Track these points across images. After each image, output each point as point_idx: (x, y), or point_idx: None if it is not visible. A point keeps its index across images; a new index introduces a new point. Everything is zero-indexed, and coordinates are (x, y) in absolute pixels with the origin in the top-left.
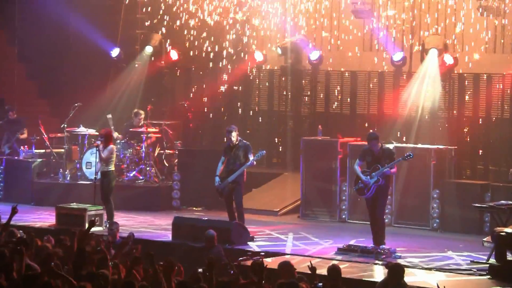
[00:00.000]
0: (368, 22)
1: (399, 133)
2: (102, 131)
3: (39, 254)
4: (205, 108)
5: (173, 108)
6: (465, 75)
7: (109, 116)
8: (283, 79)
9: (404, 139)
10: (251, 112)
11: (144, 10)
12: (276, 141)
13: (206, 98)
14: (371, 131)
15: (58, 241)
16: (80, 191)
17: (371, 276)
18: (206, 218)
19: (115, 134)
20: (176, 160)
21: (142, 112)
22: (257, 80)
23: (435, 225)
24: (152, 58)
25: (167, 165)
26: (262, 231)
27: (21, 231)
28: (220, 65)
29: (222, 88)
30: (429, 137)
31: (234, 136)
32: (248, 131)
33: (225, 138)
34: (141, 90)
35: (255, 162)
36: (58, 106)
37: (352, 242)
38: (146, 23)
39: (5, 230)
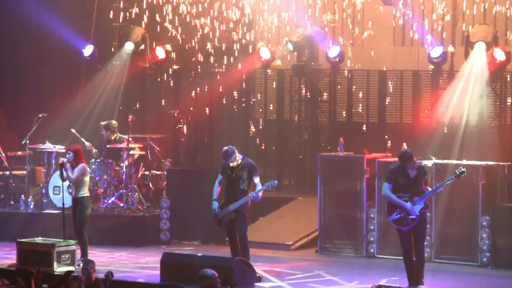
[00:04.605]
0: (400, 10)
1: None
2: (70, 146)
3: None
4: (200, 118)
5: (160, 119)
6: None
7: (73, 130)
8: (296, 80)
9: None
10: (257, 122)
11: None
12: (288, 158)
13: (200, 106)
14: (405, 147)
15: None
16: (47, 222)
17: None
18: (202, 254)
19: (88, 145)
20: (165, 183)
21: (114, 123)
22: (264, 83)
23: (485, 260)
24: (135, 57)
25: (153, 189)
26: (271, 270)
27: None
28: (218, 65)
29: (220, 93)
30: (477, 151)
31: (236, 158)
32: (252, 146)
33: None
34: (120, 97)
35: (261, 194)
36: (17, 118)
37: (382, 282)
38: (126, 14)
39: None
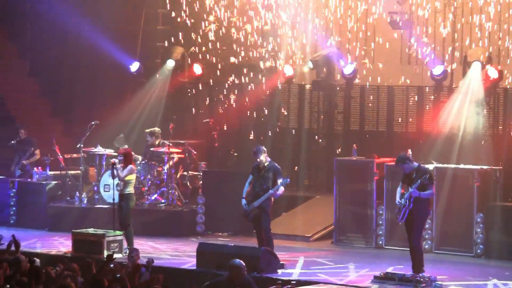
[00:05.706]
0: (406, 33)
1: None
2: (121, 150)
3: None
4: (231, 126)
5: (196, 126)
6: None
7: (121, 135)
8: (315, 94)
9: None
10: (280, 130)
11: (165, 21)
12: (307, 162)
13: (232, 116)
14: (409, 153)
15: (68, 270)
16: (98, 216)
17: None
18: (232, 244)
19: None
20: (201, 182)
21: (157, 130)
22: (287, 96)
23: (479, 251)
24: (175, 73)
25: (190, 187)
26: (293, 258)
27: (36, 259)
28: (247, 80)
29: (249, 105)
30: (472, 156)
31: (262, 158)
32: (276, 151)
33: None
34: (162, 107)
35: (280, 191)
36: (72, 125)
37: (389, 270)
38: (168, 36)
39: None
